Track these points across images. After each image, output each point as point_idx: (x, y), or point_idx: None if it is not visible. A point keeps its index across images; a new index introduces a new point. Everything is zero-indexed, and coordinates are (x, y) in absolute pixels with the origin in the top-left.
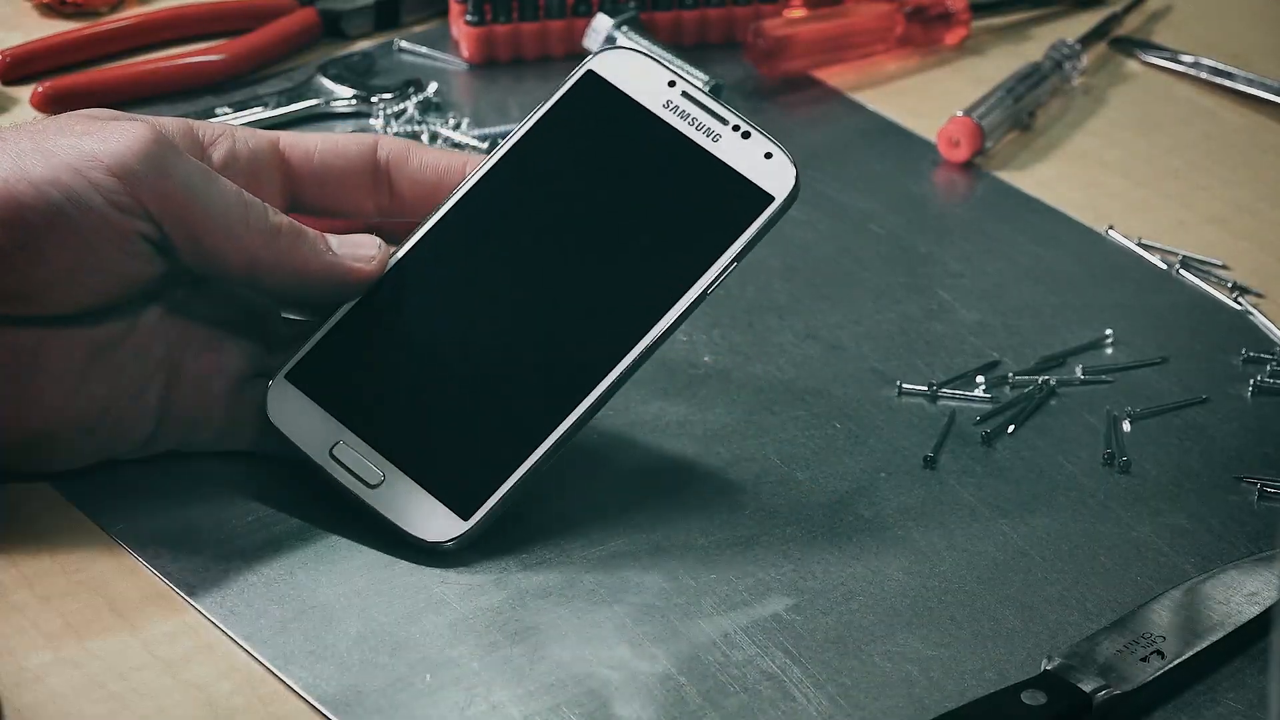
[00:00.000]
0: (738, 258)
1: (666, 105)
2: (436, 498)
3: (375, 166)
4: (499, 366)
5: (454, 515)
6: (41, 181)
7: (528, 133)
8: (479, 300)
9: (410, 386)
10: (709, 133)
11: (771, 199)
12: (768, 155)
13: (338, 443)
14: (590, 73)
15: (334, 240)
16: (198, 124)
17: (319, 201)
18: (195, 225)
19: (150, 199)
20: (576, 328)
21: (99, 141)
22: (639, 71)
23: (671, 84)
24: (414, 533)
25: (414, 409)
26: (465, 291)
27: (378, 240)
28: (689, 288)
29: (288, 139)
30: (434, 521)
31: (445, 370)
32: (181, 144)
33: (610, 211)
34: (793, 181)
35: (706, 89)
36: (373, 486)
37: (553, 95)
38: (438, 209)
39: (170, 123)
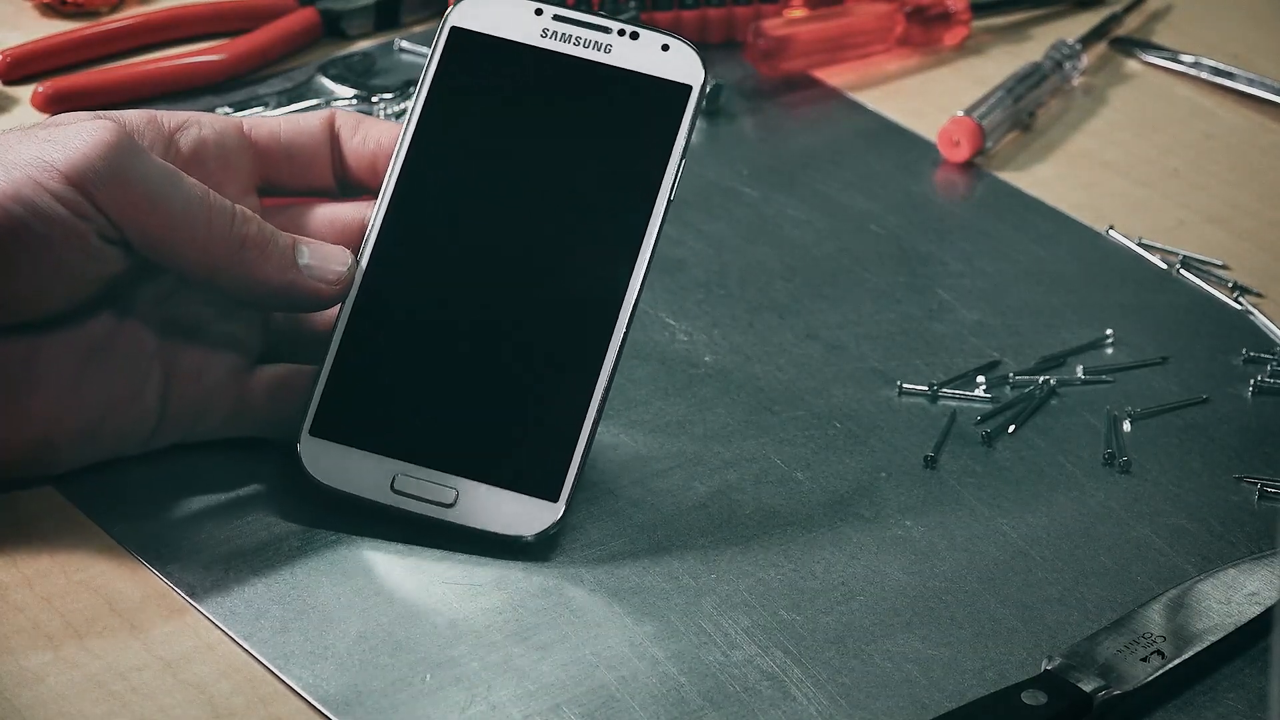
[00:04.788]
0: (683, 156)
1: (545, 34)
2: (518, 492)
3: (333, 140)
4: (514, 342)
5: (543, 502)
6: (3, 198)
7: (424, 110)
8: (463, 288)
9: (439, 395)
10: (598, 45)
11: (689, 88)
12: (665, 48)
13: (395, 476)
14: (455, 29)
15: (305, 250)
16: (162, 113)
17: (288, 180)
18: (154, 229)
19: (108, 203)
20: (571, 279)
21: (57, 149)
22: (501, 10)
23: (539, 12)
24: (511, 533)
25: (454, 416)
26: (445, 284)
27: (349, 256)
28: (654, 201)
29: (251, 122)
30: (526, 516)
31: (463, 366)
32: (146, 134)
33: (546, 157)
34: (700, 65)
35: (709, 93)
36: (449, 505)
37: (428, 64)
38: (374, 214)
39: (134, 115)
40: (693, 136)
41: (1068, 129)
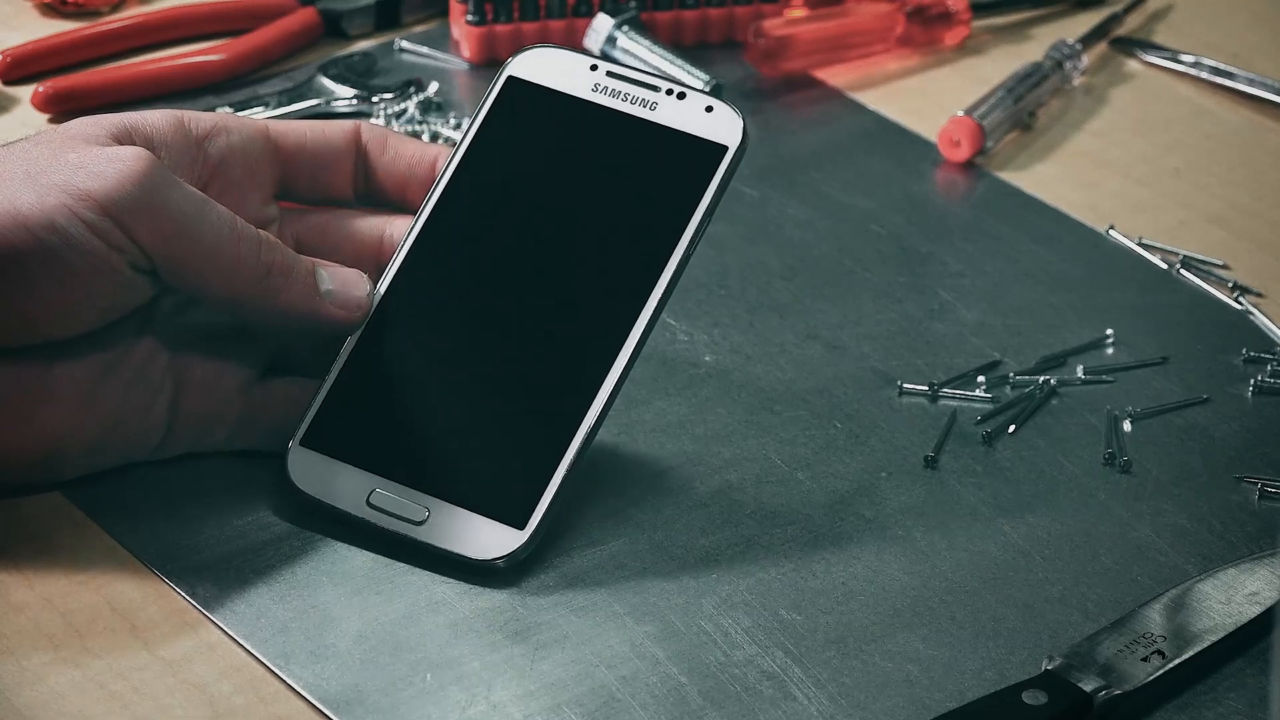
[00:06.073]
0: (708, 213)
1: (596, 88)
2: (487, 516)
3: (358, 152)
4: (510, 375)
5: (509, 528)
6: (37, 226)
7: (469, 150)
8: (473, 318)
9: (428, 417)
10: (645, 103)
11: (725, 148)
12: (708, 109)
13: (372, 491)
14: (511, 78)
15: (324, 275)
16: (189, 117)
17: (309, 189)
18: (184, 259)
19: (142, 234)
20: (576, 320)
21: (91, 177)
22: (558, 64)
23: (594, 68)
24: (474, 555)
25: (439, 438)
26: (457, 313)
27: (367, 281)
28: (670, 254)
29: (277, 128)
30: (491, 540)
31: (458, 393)
32: (174, 143)
33: (575, 203)
34: (740, 127)
35: (707, 88)
36: (419, 523)
37: (481, 108)
38: (403, 243)
39: (161, 120)
40: (723, 196)
41: (1068, 129)
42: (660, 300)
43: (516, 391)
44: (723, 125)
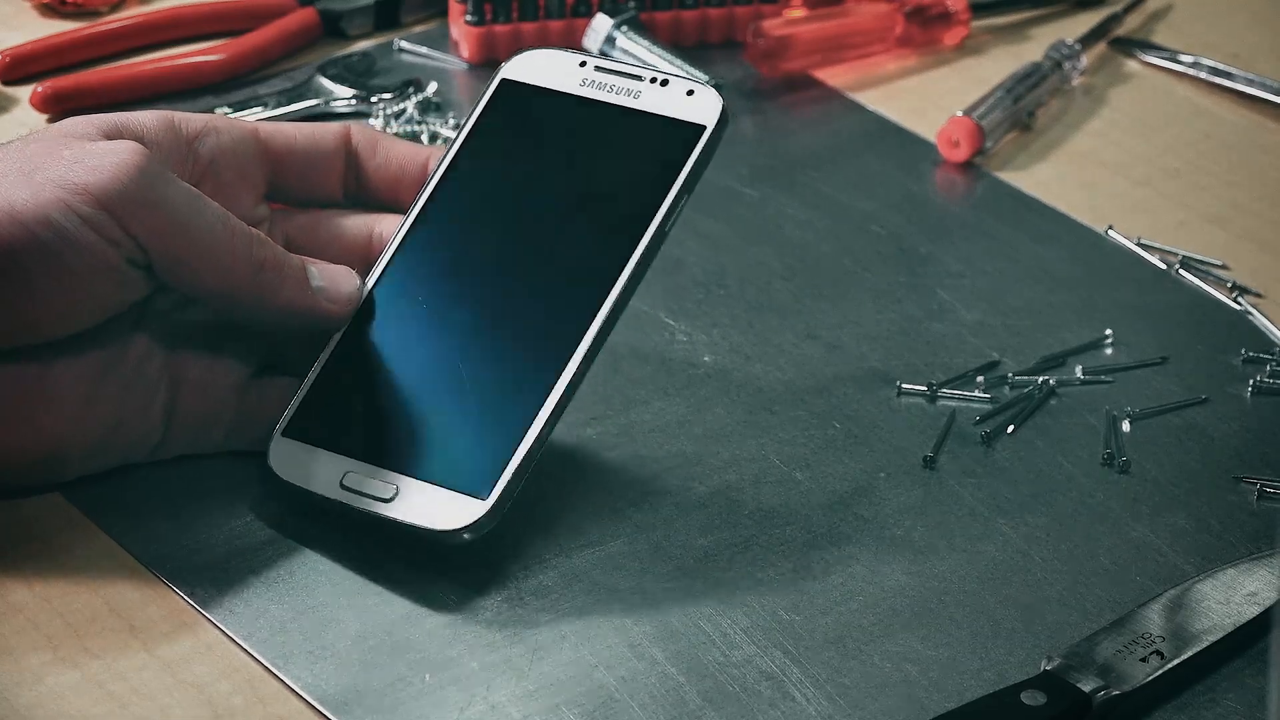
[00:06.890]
0: (685, 189)
1: (584, 83)
2: (451, 489)
3: (348, 154)
4: (482, 356)
5: (472, 498)
6: (31, 221)
7: (461, 149)
8: (460, 314)
9: (401, 402)
10: (629, 93)
11: (703, 128)
12: (689, 93)
13: (346, 474)
14: (505, 80)
15: (314, 271)
16: (179, 118)
17: (299, 190)
18: (179, 254)
19: (138, 229)
20: (548, 300)
21: (87, 172)
22: (550, 64)
23: (582, 64)
24: (437, 526)
25: (411, 421)
26: (441, 308)
27: (356, 277)
28: (642, 232)
29: (267, 129)
30: (454, 511)
31: (431, 377)
32: (164, 142)
33: (564, 197)
34: (719, 107)
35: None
36: (388, 500)
37: (475, 108)
38: (394, 236)
39: (151, 120)
40: (700, 176)
41: (1067, 129)
42: (630, 278)
43: (487, 370)
44: (702, 106)
